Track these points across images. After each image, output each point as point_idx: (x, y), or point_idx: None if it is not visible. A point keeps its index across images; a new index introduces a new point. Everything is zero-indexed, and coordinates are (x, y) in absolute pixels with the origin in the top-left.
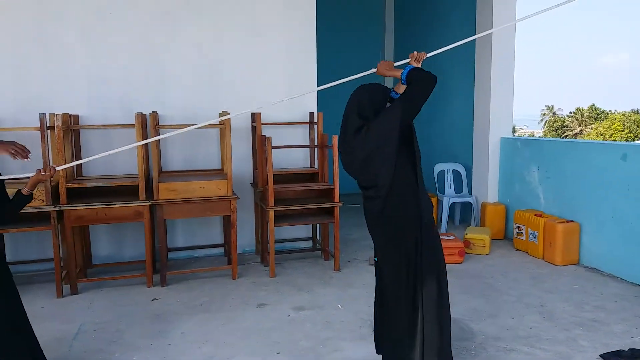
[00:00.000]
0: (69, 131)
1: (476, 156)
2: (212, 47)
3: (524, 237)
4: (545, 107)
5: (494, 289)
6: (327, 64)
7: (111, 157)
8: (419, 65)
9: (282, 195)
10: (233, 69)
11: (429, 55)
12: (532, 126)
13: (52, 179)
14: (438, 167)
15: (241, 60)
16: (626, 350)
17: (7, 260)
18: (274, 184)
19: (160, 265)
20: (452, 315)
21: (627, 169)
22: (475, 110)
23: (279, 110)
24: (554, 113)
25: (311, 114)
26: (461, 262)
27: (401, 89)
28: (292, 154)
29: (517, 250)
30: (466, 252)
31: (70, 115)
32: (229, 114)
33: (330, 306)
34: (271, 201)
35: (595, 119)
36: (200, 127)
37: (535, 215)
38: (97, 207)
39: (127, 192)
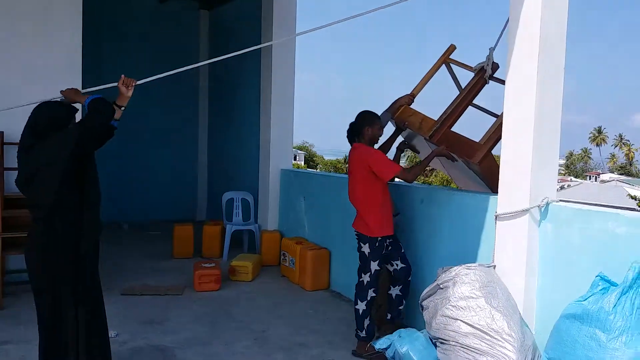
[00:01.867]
0: None
1: (261, 185)
2: None
3: (287, 264)
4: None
5: (228, 316)
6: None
7: None
8: (129, 91)
9: (13, 222)
10: None
11: (140, 82)
12: None
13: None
14: (227, 195)
15: None
16: None
17: None
18: (5, 209)
19: None
20: (164, 344)
21: None
22: (260, 140)
23: None
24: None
25: None
26: (217, 290)
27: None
28: None
29: (283, 276)
30: (231, 279)
31: None
32: None
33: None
34: None
35: None
36: None
37: (296, 243)
38: None
39: None
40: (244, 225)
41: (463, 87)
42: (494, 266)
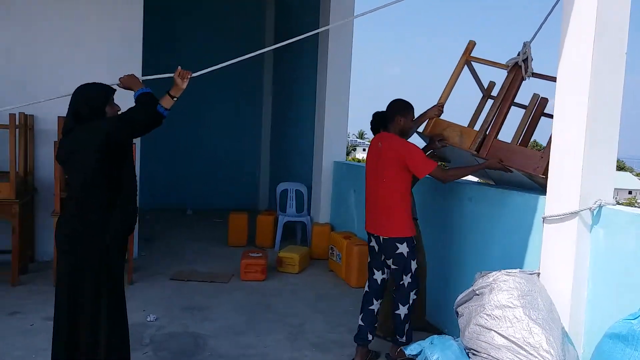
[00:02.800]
0: None
1: (314, 177)
2: (25, 50)
3: (334, 258)
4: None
5: (268, 307)
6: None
7: None
8: (184, 82)
9: None
10: (47, 74)
11: (195, 74)
12: None
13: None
14: (281, 186)
15: (57, 65)
16: None
17: None
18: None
19: None
20: (199, 331)
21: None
22: (315, 132)
23: None
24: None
25: None
26: (262, 280)
27: (165, 102)
28: None
29: (330, 271)
30: (278, 270)
31: None
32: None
33: None
34: (57, 207)
35: None
36: None
37: (344, 237)
38: None
39: None
40: (297, 216)
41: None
42: (538, 274)
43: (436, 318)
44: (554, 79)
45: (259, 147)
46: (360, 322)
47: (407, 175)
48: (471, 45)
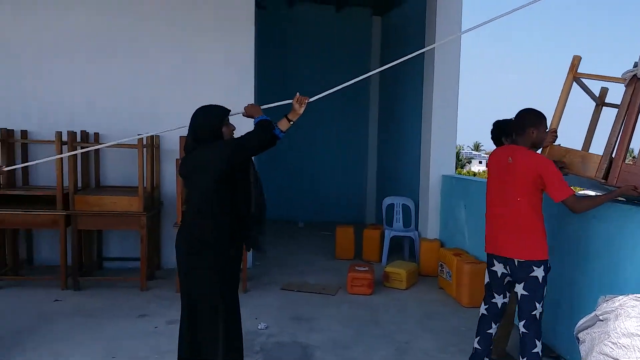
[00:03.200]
0: (5, 144)
1: (422, 191)
2: (150, 79)
3: (444, 276)
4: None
5: (375, 322)
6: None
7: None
8: (301, 108)
9: None
10: (168, 98)
11: (312, 99)
12: None
13: None
14: (387, 201)
15: (177, 90)
16: None
17: None
18: None
19: (72, 271)
20: (307, 342)
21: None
22: (422, 146)
23: None
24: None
25: None
26: (369, 294)
27: (281, 125)
28: None
29: (440, 288)
30: (385, 285)
31: (8, 130)
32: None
33: None
34: (179, 219)
35: None
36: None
37: (454, 254)
38: (16, 213)
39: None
40: (404, 231)
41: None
42: None
43: (554, 342)
44: None
45: (366, 162)
46: (477, 346)
47: (539, 194)
48: (576, 60)
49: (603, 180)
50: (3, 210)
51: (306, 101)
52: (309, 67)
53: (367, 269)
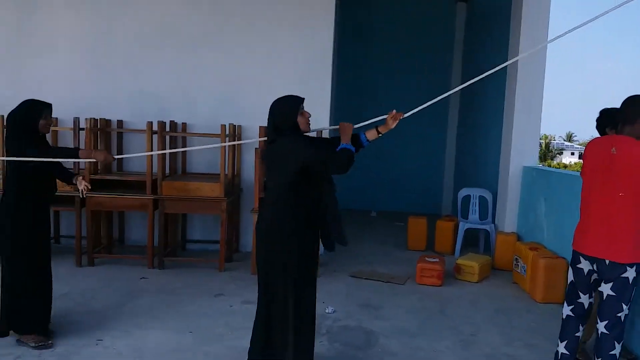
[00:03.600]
0: (103, 133)
1: (501, 183)
2: (233, 71)
3: (519, 270)
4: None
5: (442, 313)
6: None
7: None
8: (394, 123)
9: None
10: (250, 90)
11: (407, 115)
12: None
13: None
14: (463, 192)
15: (258, 82)
16: None
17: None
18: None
19: (158, 251)
20: (372, 328)
21: None
22: (503, 136)
23: None
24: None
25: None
26: (439, 285)
27: (370, 134)
28: None
29: (514, 283)
30: (456, 277)
31: (107, 120)
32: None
33: None
34: (256, 205)
35: None
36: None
37: (530, 248)
38: (111, 197)
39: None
40: (480, 224)
41: None
42: None
43: (631, 343)
44: None
45: (444, 152)
46: (564, 351)
47: None
48: None
49: None
50: (100, 193)
51: (400, 117)
52: (391, 55)
53: (437, 260)
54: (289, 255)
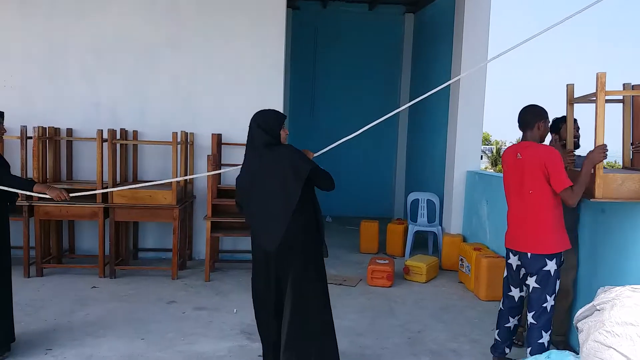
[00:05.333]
0: (52, 141)
1: (446, 187)
2: (186, 80)
3: (464, 270)
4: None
5: (390, 313)
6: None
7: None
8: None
9: (223, 209)
10: (204, 98)
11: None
12: None
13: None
14: (412, 196)
15: (212, 91)
16: None
17: None
18: (217, 197)
19: (109, 260)
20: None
21: None
22: (448, 142)
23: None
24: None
25: None
26: (389, 286)
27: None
28: None
29: (460, 282)
30: (405, 278)
31: (55, 128)
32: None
33: (226, 310)
34: (209, 213)
35: None
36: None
37: (474, 248)
38: (59, 205)
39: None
40: (428, 226)
41: None
42: None
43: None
44: None
45: (395, 158)
46: (497, 338)
47: (547, 186)
48: (604, 79)
49: None
50: (49, 203)
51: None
52: (342, 64)
53: (387, 262)
54: (321, 259)
